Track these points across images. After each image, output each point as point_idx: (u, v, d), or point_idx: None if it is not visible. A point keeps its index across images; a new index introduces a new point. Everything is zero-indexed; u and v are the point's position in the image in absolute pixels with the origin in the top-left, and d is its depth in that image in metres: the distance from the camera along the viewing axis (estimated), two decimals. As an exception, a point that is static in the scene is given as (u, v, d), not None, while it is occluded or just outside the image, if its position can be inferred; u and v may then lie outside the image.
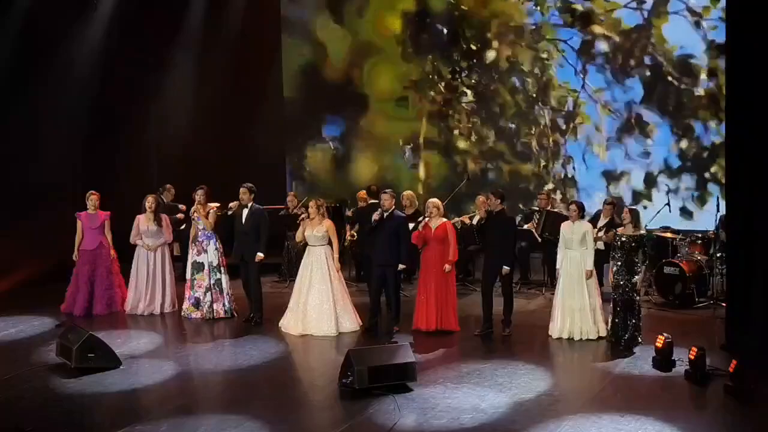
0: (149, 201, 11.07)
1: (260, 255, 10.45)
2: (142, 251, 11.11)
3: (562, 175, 14.77)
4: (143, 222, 11.07)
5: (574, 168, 14.73)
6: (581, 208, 9.75)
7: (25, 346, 9.55)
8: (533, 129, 14.92)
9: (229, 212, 10.37)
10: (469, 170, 15.19)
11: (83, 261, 10.99)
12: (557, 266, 9.80)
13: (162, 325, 10.80)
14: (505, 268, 9.74)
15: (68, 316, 10.83)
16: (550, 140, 14.81)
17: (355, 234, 11.86)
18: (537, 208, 12.66)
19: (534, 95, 14.86)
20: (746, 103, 8.89)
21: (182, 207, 12.64)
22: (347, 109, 16.26)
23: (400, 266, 9.88)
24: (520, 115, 15.04)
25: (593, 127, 14.49)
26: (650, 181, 14.17)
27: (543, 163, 14.85)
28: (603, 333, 9.53)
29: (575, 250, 9.61)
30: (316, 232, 10.06)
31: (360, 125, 16.25)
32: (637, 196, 14.22)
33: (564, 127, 14.73)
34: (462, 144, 15.50)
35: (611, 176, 14.45)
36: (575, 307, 9.54)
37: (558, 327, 9.62)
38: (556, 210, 12.38)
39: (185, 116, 14.46)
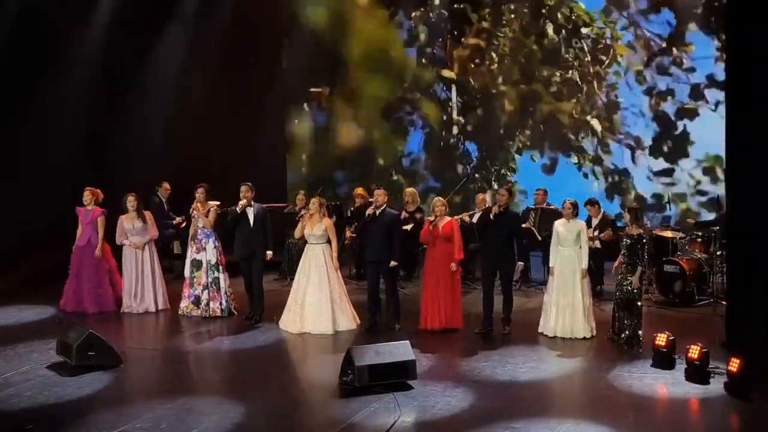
0: (130, 200, 11.07)
1: (269, 253, 10.50)
2: (129, 250, 11.10)
3: (605, 101, 14.81)
4: (127, 221, 11.07)
5: (616, 96, 14.75)
6: (575, 206, 9.76)
7: (25, 343, 9.54)
8: (576, 60, 14.95)
9: (240, 211, 10.34)
10: (468, 170, 15.27)
11: (74, 257, 11.03)
12: (550, 264, 9.82)
13: (160, 323, 10.79)
14: (520, 264, 10.12)
15: (67, 312, 10.84)
16: (592, 70, 14.82)
17: (355, 232, 11.87)
18: (532, 206, 12.67)
19: (569, 27, 14.93)
20: (747, 102, 8.87)
21: (177, 220, 12.67)
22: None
23: (392, 263, 9.88)
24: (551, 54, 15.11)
25: (632, 52, 14.57)
26: (697, 93, 14.15)
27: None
28: (594, 332, 9.54)
29: (569, 248, 9.61)
30: (315, 230, 10.07)
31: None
32: (682, 113, 14.27)
33: (603, 58, 14.79)
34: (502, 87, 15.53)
35: (653, 93, 14.47)
36: (567, 306, 9.55)
37: (551, 325, 9.64)
38: (551, 207, 12.39)
39: (184, 112, 14.40)
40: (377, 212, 9.91)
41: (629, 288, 9.19)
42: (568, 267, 9.59)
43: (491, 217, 9.72)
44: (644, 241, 9.29)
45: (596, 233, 11.30)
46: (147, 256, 11.11)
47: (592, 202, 11.67)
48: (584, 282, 9.56)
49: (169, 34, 14.52)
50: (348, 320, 10.11)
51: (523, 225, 12.09)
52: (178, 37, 14.63)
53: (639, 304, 9.28)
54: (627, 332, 9.19)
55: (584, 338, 9.49)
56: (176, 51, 14.56)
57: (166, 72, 14.43)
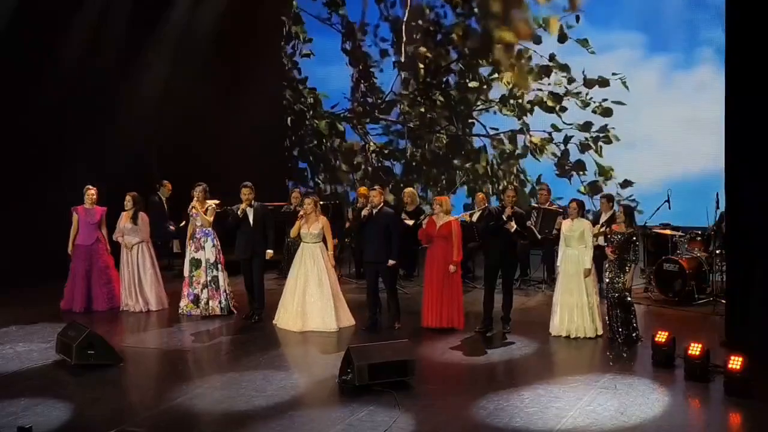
0: (126, 199, 11.08)
1: (270, 252, 10.49)
2: (124, 249, 11.12)
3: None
4: (123, 219, 11.10)
5: None
6: (581, 206, 9.75)
7: (25, 342, 9.53)
8: None
9: (241, 215, 10.34)
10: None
11: (80, 257, 10.98)
12: (557, 264, 9.81)
13: (160, 322, 10.77)
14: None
15: (68, 313, 10.82)
16: None
17: (349, 232, 11.93)
18: (535, 205, 12.64)
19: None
20: (747, 100, 8.87)
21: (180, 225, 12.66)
22: None
23: (390, 262, 9.87)
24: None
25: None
26: None
27: None
28: (600, 331, 9.53)
29: (574, 248, 9.60)
30: (312, 229, 10.08)
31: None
32: None
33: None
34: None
35: None
36: (573, 305, 9.54)
37: (557, 325, 9.63)
38: (553, 207, 12.37)
39: (183, 112, 14.40)
40: (374, 212, 9.91)
41: (620, 287, 9.20)
42: (572, 266, 9.58)
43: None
44: (635, 239, 9.30)
45: (603, 229, 11.27)
46: (136, 256, 11.07)
47: (606, 197, 11.53)
48: (588, 281, 9.55)
49: (166, 30, 14.51)
50: (347, 317, 10.15)
51: (527, 223, 12.12)
52: (174, 33, 14.61)
53: (630, 300, 9.29)
54: (623, 330, 9.21)
55: (589, 337, 9.47)
56: (173, 47, 14.55)
57: (163, 68, 14.41)
